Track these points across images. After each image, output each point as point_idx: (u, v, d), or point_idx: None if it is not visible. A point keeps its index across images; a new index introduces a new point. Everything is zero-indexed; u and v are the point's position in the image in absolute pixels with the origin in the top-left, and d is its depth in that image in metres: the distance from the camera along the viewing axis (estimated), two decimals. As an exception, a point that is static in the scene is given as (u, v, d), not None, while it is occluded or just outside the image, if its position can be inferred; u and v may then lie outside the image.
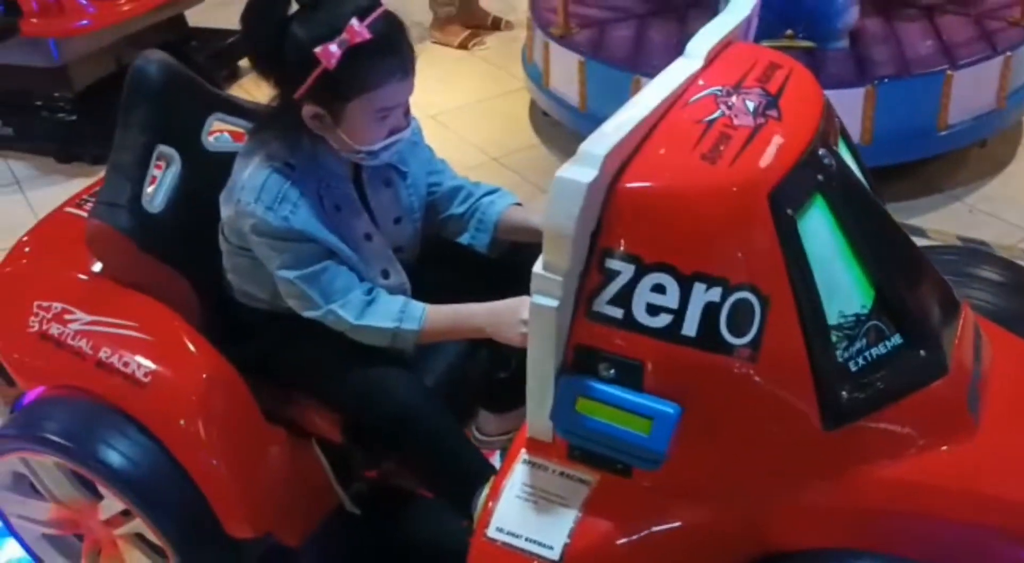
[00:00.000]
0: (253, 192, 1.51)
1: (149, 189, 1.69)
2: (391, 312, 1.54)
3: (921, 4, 3.17)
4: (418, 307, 1.55)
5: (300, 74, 1.46)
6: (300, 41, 1.44)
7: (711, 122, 1.26)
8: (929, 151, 2.94)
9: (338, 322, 1.54)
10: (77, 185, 3.39)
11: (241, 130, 1.84)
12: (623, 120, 1.18)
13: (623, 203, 1.15)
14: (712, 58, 1.41)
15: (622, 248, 1.15)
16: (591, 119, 3.13)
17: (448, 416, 1.57)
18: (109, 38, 3.54)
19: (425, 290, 1.64)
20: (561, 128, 3.41)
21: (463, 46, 4.24)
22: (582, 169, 1.09)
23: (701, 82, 1.36)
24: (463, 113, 3.73)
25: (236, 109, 1.82)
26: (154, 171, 1.70)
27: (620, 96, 3.04)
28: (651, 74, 3.01)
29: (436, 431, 1.55)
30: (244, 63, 4.12)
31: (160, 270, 1.68)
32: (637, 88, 2.96)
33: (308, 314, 1.55)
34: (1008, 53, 2.88)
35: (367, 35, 1.42)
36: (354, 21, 1.42)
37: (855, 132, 2.75)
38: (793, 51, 2.92)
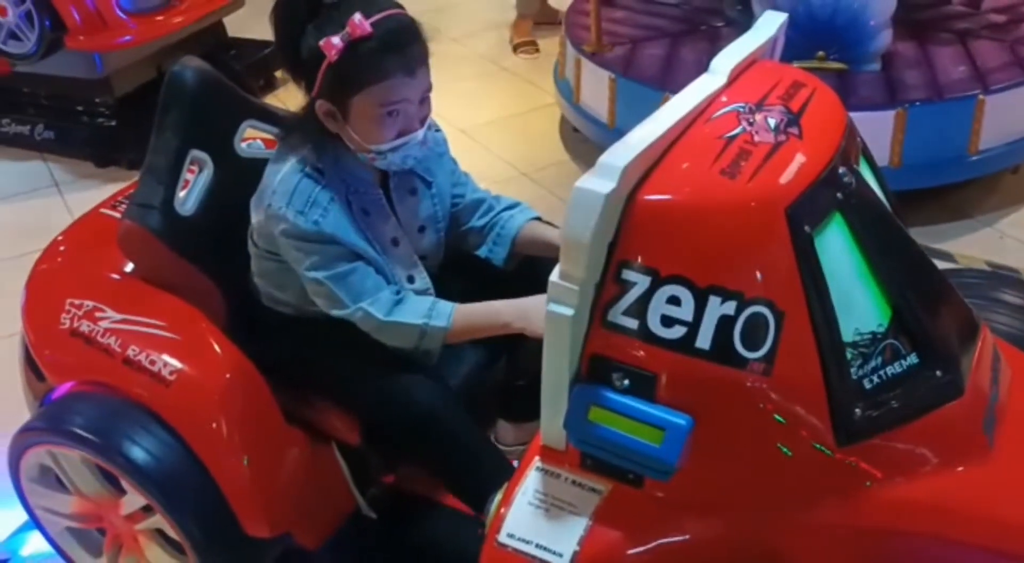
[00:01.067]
0: (285, 196, 1.54)
1: (181, 193, 1.73)
2: (420, 310, 1.57)
3: (955, 29, 3.16)
4: (447, 305, 1.58)
5: (314, 71, 1.50)
6: (312, 39, 1.49)
7: (732, 138, 1.27)
8: (959, 176, 2.92)
9: (367, 319, 1.56)
10: (113, 189, 3.42)
11: (273, 137, 1.88)
12: (644, 133, 1.20)
13: (641, 215, 1.17)
14: (736, 75, 1.43)
15: (639, 260, 1.17)
16: (620, 136, 3.12)
17: (468, 419, 1.58)
18: (151, 48, 3.62)
19: (446, 299, 1.65)
20: (590, 144, 3.43)
21: (515, 50, 4.28)
22: (601, 180, 1.11)
23: (724, 99, 1.37)
24: (493, 128, 3.76)
25: (269, 116, 1.86)
26: (187, 175, 1.74)
27: (650, 113, 3.10)
28: (678, 91, 3.03)
29: (456, 433, 1.57)
30: (281, 74, 4.19)
31: (189, 272, 1.72)
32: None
33: (336, 313, 1.58)
34: (1042, 79, 2.86)
35: (367, 29, 1.46)
36: (356, 15, 1.46)
37: (884, 155, 2.75)
38: (824, 73, 2.93)
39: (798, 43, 3.02)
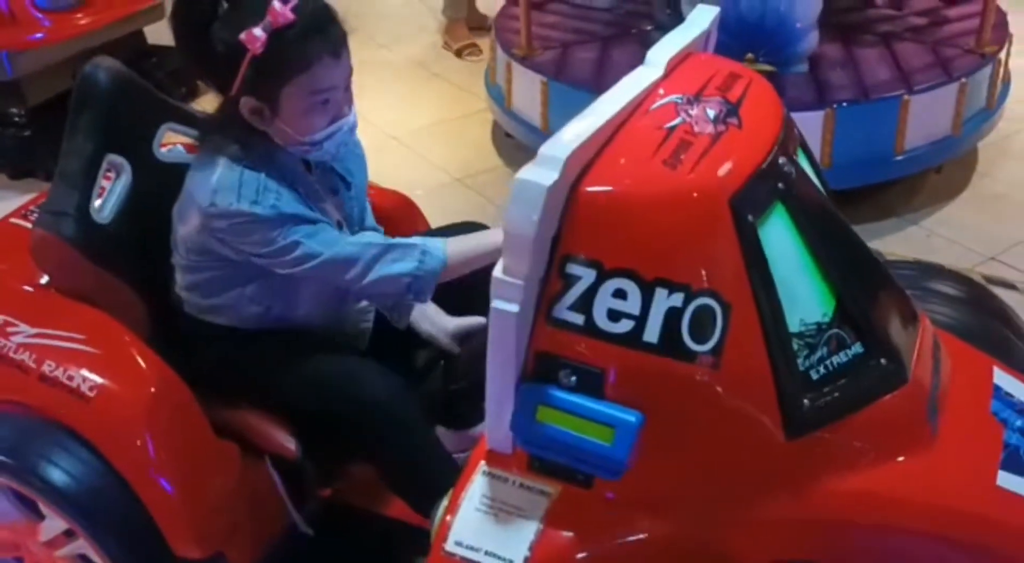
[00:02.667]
0: (232, 192, 1.47)
1: (98, 200, 1.64)
2: (412, 242, 1.54)
3: (879, 31, 3.22)
4: (438, 241, 1.54)
5: (232, 68, 1.44)
6: (227, 34, 1.43)
7: (672, 129, 1.25)
8: (887, 175, 2.97)
9: (361, 250, 1.49)
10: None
11: (194, 141, 1.81)
12: (584, 125, 1.17)
13: (584, 207, 1.14)
14: (672, 68, 1.41)
15: (583, 253, 1.13)
16: (553, 140, 3.13)
17: (420, 411, 1.54)
18: (65, 53, 3.48)
19: None
20: (524, 150, 3.40)
21: (459, 54, 4.24)
22: (543, 171, 1.07)
23: (661, 91, 1.35)
24: (425, 134, 3.72)
25: (189, 119, 1.79)
26: (103, 181, 1.66)
27: (582, 117, 3.09)
28: (613, 95, 3.00)
29: (408, 424, 1.52)
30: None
31: (108, 281, 1.63)
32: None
33: (319, 259, 1.49)
34: (963, 79, 2.92)
35: (291, 16, 1.41)
36: (276, 3, 1.41)
37: (815, 155, 2.77)
38: (753, 74, 2.96)
39: (727, 45, 3.00)
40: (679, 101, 1.32)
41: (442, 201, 3.28)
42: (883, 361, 1.25)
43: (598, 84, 3.02)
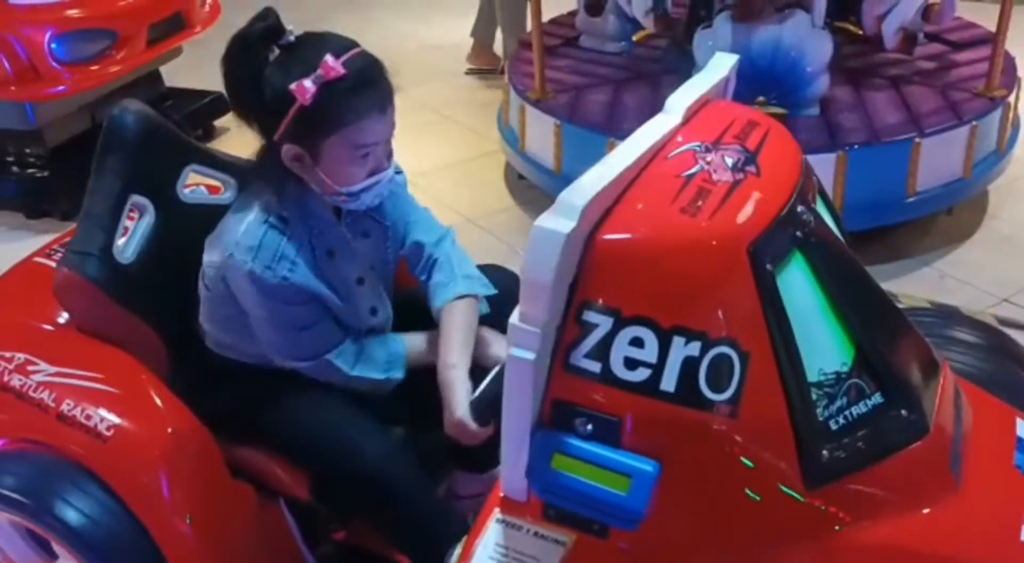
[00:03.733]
0: (250, 251, 1.49)
1: (120, 240, 1.66)
2: (379, 362, 1.60)
3: (888, 75, 3.25)
4: (399, 354, 1.62)
5: (278, 114, 1.46)
6: (277, 81, 1.45)
7: (690, 177, 1.26)
8: (898, 217, 2.98)
9: (331, 371, 1.56)
10: (45, 241, 3.33)
11: (217, 183, 1.83)
12: (602, 172, 1.18)
13: (602, 255, 1.14)
14: (690, 115, 1.42)
15: (600, 300, 1.14)
16: (566, 182, 3.08)
17: (420, 474, 1.53)
18: (85, 98, 3.54)
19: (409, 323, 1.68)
20: (536, 191, 3.43)
21: (503, 71, 4.28)
22: (561, 219, 1.08)
23: (680, 138, 1.36)
24: (437, 175, 3.75)
25: (213, 161, 1.81)
26: (126, 222, 1.68)
27: (595, 159, 3.08)
28: (625, 137, 3.05)
29: (406, 490, 1.51)
30: (219, 123, 4.13)
31: (129, 321, 1.65)
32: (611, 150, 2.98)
33: (301, 364, 1.57)
34: (974, 122, 2.94)
35: (341, 70, 1.43)
36: (328, 57, 1.43)
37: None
38: (765, 118, 2.98)
39: (738, 89, 3.06)
40: (697, 149, 1.33)
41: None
42: (904, 411, 1.25)
43: (610, 127, 3.05)
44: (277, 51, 1.47)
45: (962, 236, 3.16)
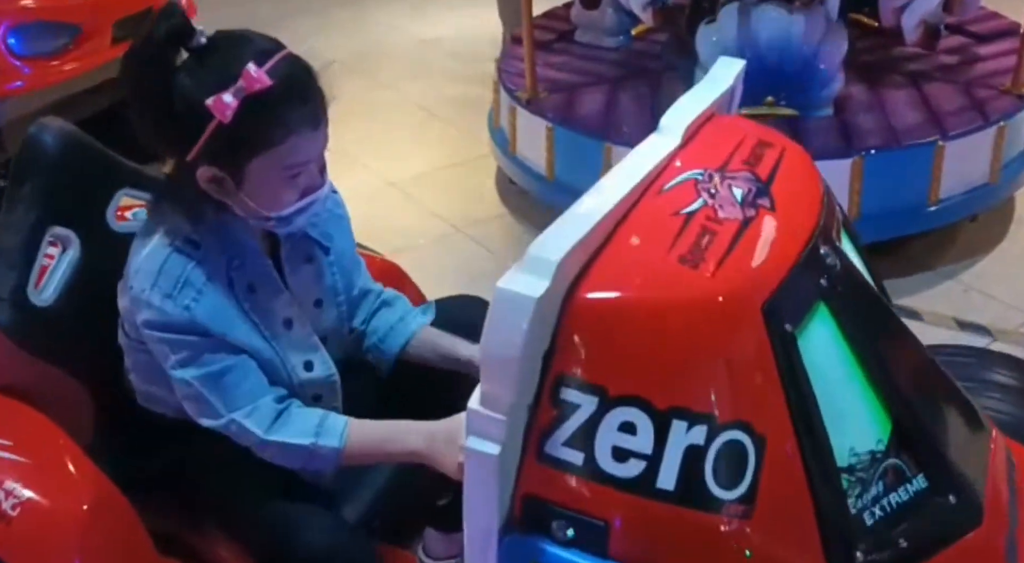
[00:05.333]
0: (149, 277, 1.28)
1: (38, 280, 1.45)
2: (307, 426, 1.31)
3: (907, 71, 3.01)
4: (339, 421, 1.32)
5: (192, 132, 1.25)
6: (189, 93, 1.23)
7: (691, 214, 1.04)
8: (919, 227, 2.75)
9: (242, 434, 1.31)
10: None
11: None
12: (583, 213, 0.96)
13: (583, 318, 0.92)
14: (691, 134, 1.20)
15: (582, 375, 0.92)
16: (559, 188, 2.93)
17: (371, 557, 1.32)
18: (47, 99, 3.32)
19: (351, 397, 1.41)
20: (529, 197, 3.20)
21: None
22: (531, 279, 0.86)
23: (678, 163, 1.15)
24: (426, 180, 3.52)
25: (149, 183, 1.59)
26: (44, 258, 1.46)
27: (590, 165, 2.88)
28: (623, 142, 2.80)
29: None
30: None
31: (47, 374, 1.43)
32: (608, 157, 2.76)
33: (206, 422, 1.32)
34: (1001, 123, 2.71)
35: (267, 81, 1.22)
36: (251, 66, 1.21)
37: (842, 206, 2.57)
38: (774, 119, 2.76)
39: (745, 88, 2.83)
40: (700, 178, 1.11)
41: (442, 253, 3.08)
42: (951, 497, 1.03)
43: (606, 131, 2.83)
44: (187, 56, 1.26)
45: (988, 246, 2.93)
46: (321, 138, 1.30)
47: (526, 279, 0.86)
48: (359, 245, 1.61)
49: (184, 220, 1.31)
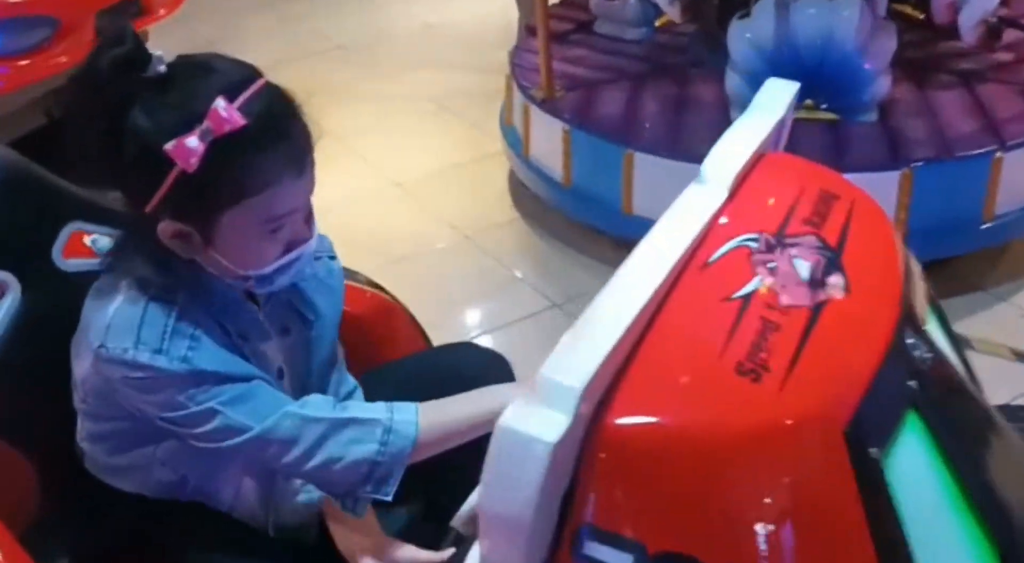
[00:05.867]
0: (128, 333, 1.08)
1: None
2: (375, 406, 1.14)
3: (960, 70, 2.76)
4: (408, 404, 1.15)
5: (150, 180, 1.05)
6: (145, 135, 1.03)
7: (747, 299, 0.82)
8: (973, 245, 2.51)
9: (303, 426, 1.10)
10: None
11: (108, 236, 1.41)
12: (611, 312, 0.74)
13: (613, 452, 0.71)
14: (738, 180, 0.98)
15: (612, 527, 0.71)
16: (576, 195, 2.71)
17: None
18: (34, 93, 3.11)
19: None
20: (544, 201, 2.99)
21: None
22: (546, 416, 0.65)
23: (724, 220, 0.93)
24: (433, 181, 3.30)
25: (104, 214, 1.38)
26: (-23, 307, 1.26)
27: (610, 171, 2.64)
28: (646, 149, 2.56)
29: None
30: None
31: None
32: (629, 164, 2.54)
33: (244, 437, 1.10)
34: (1065, 131, 2.46)
35: (239, 120, 1.01)
36: (219, 102, 1.01)
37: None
38: (813, 124, 2.52)
39: (782, 90, 2.62)
40: (754, 245, 0.89)
41: (449, 262, 2.87)
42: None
43: (628, 134, 2.60)
44: (142, 88, 1.04)
45: (1045, 264, 2.69)
46: (306, 184, 1.10)
47: (540, 415, 0.65)
48: (347, 271, 1.40)
49: (153, 270, 1.11)
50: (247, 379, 1.11)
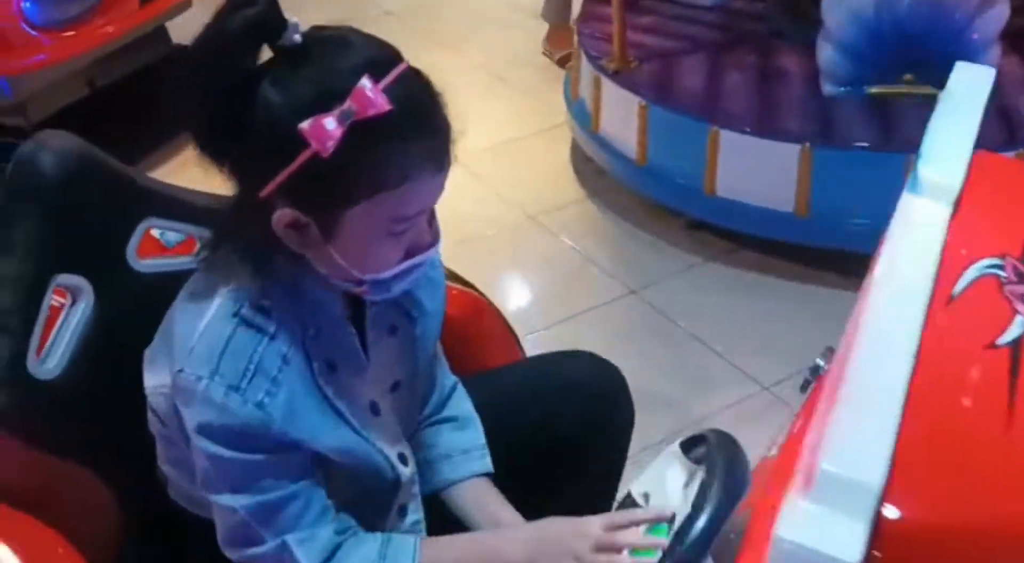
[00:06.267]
0: (208, 361, 0.96)
1: (40, 347, 1.11)
2: (368, 552, 1.03)
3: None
4: (407, 540, 1.05)
5: (273, 161, 0.91)
6: (276, 110, 0.90)
7: (1016, 347, 0.67)
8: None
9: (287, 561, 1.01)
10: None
11: (187, 236, 1.27)
12: (881, 378, 0.59)
13: (892, 553, 0.56)
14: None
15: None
16: (652, 174, 2.54)
17: None
18: (77, 65, 2.98)
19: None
20: (611, 178, 2.82)
21: (562, 64, 3.62)
22: (839, 525, 0.50)
23: (956, 240, 0.77)
24: (493, 156, 3.13)
25: (182, 208, 1.24)
26: (48, 313, 1.12)
27: (691, 149, 2.46)
28: (733, 126, 2.38)
29: None
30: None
31: (57, 471, 1.11)
32: (715, 142, 2.37)
33: (241, 553, 1.03)
34: None
35: (385, 104, 0.88)
36: (365, 81, 0.88)
37: None
38: (913, 100, 2.34)
39: (880, 62, 2.43)
40: (1001, 273, 0.74)
41: (514, 246, 2.72)
42: None
43: (713, 110, 2.43)
44: (272, 56, 0.92)
45: None
46: (442, 183, 0.96)
47: (831, 524, 0.49)
48: None
49: (249, 276, 0.98)
50: (299, 472, 1.00)
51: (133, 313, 1.17)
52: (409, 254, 0.97)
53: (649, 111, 2.50)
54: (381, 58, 0.93)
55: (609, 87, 2.63)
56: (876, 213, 2.22)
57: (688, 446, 0.97)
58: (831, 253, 2.39)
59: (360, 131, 0.88)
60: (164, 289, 1.16)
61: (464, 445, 1.18)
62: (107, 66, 3.08)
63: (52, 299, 1.12)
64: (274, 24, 0.91)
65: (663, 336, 2.32)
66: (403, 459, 1.10)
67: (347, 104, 0.88)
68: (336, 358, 1.03)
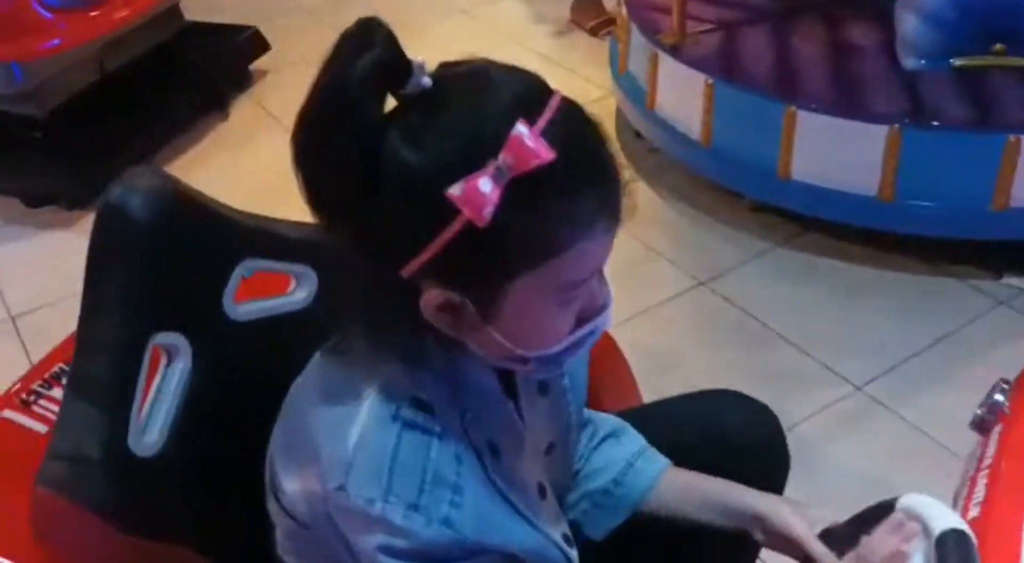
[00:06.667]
0: (378, 480, 0.80)
1: (138, 419, 0.97)
2: None
3: None
4: None
5: (415, 232, 0.75)
6: (414, 170, 0.74)
7: None
8: None
9: None
10: (53, 239, 2.67)
11: (285, 272, 1.13)
12: None
13: None
14: None
15: None
16: (718, 156, 2.40)
17: None
18: (91, 48, 2.81)
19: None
20: (661, 156, 2.67)
21: (594, 32, 3.45)
22: None
23: None
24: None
25: (277, 244, 1.10)
26: (144, 385, 0.98)
27: (765, 131, 2.28)
28: (812, 106, 2.24)
29: None
30: (256, 65, 3.35)
31: (153, 555, 0.97)
32: (791, 122, 2.23)
33: None
34: None
35: (548, 153, 0.72)
36: (520, 127, 0.72)
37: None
38: (1005, 72, 2.19)
39: (969, 32, 2.27)
40: None
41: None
42: None
43: (788, 88, 2.28)
44: (396, 105, 0.76)
45: None
46: (613, 236, 0.80)
47: None
48: None
49: (401, 364, 0.83)
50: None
51: (235, 369, 1.04)
52: (580, 321, 0.82)
53: (716, 89, 2.35)
54: (530, 94, 0.76)
55: (668, 63, 2.48)
56: (967, 196, 2.13)
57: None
58: (907, 236, 2.27)
59: (519, 189, 0.72)
60: (263, 338, 1.04)
61: (635, 449, 1.09)
62: (119, 48, 2.92)
63: (147, 363, 0.99)
64: (399, 67, 0.74)
65: (740, 331, 2.19)
66: (568, 540, 0.96)
67: (501, 158, 0.72)
68: (497, 439, 0.89)
